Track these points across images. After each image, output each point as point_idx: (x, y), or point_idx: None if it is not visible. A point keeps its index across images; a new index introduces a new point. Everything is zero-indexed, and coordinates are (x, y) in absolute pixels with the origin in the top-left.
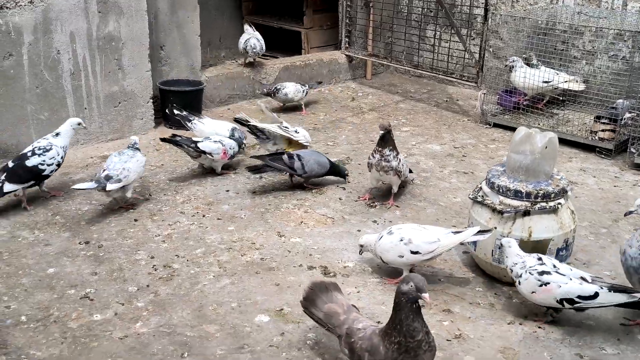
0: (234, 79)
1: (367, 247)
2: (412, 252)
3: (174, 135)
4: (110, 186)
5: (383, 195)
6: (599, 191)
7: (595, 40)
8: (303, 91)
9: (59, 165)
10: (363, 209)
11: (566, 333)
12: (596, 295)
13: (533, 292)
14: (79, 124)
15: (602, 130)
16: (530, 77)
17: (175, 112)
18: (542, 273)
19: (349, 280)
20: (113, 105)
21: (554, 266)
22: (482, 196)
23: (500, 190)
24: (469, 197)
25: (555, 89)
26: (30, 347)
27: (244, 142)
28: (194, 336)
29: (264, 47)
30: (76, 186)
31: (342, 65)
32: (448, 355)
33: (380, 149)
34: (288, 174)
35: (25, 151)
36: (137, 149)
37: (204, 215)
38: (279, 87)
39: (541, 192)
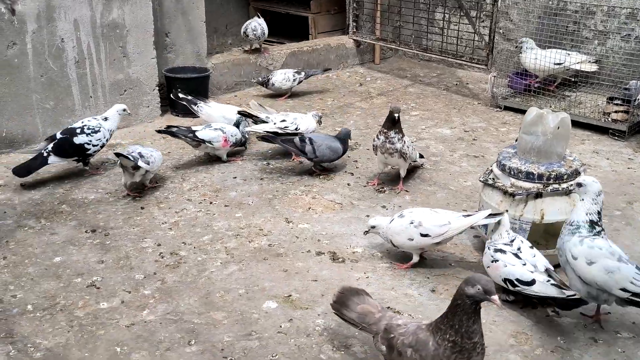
0: (241, 65)
1: (379, 228)
2: (422, 235)
3: (170, 127)
4: (141, 163)
5: (392, 180)
6: (612, 173)
7: (607, 20)
8: (293, 79)
9: (102, 146)
10: (372, 194)
11: (580, 317)
12: (533, 282)
13: (488, 266)
14: (124, 109)
15: (615, 112)
16: (541, 59)
17: (181, 96)
18: (497, 250)
19: (357, 266)
20: (119, 93)
21: (519, 249)
22: (493, 179)
23: (512, 173)
24: (480, 180)
25: (567, 70)
26: (36, 336)
27: (247, 135)
28: (201, 323)
29: (265, 32)
30: (118, 150)
31: (350, 50)
32: None
33: (385, 130)
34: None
35: (74, 126)
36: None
37: (211, 202)
38: (269, 76)
39: (553, 173)
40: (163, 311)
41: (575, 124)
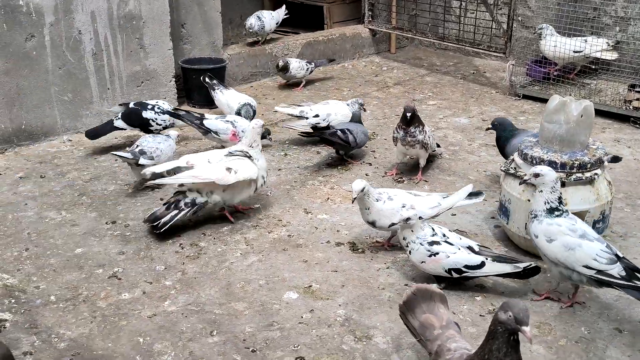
0: (256, 56)
1: (367, 191)
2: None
3: (177, 109)
4: (142, 160)
5: (410, 170)
6: (634, 162)
7: (628, 6)
8: (307, 69)
9: (165, 127)
10: (390, 184)
11: (603, 307)
12: (482, 264)
13: (423, 261)
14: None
15: (637, 100)
16: (560, 46)
17: (207, 80)
18: (432, 243)
19: (378, 257)
20: (136, 84)
21: (444, 235)
22: (515, 168)
23: (534, 162)
24: (501, 169)
25: (587, 57)
26: (60, 327)
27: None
28: (222, 314)
29: (265, 26)
30: (115, 152)
31: (366, 39)
32: (482, 331)
33: (404, 126)
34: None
35: (148, 102)
36: (169, 137)
37: None
38: (288, 62)
39: (577, 162)
40: (184, 302)
41: (596, 112)
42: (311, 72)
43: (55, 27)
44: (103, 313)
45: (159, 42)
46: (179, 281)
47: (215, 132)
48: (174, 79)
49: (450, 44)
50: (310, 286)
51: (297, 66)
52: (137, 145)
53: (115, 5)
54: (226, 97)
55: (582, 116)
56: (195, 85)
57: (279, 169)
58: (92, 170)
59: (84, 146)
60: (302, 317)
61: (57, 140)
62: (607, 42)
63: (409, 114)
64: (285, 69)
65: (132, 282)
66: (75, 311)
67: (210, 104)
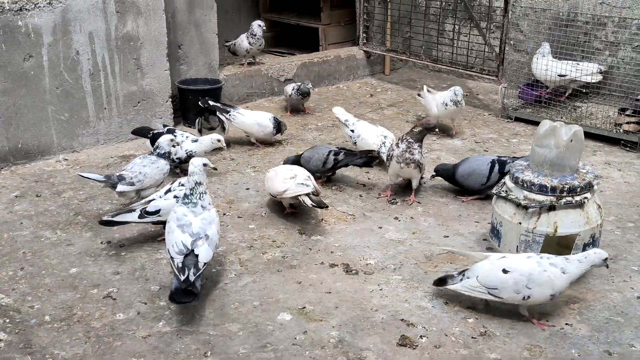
0: (252, 77)
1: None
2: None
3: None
4: (120, 187)
5: (404, 192)
6: (625, 185)
7: (618, 31)
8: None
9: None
10: (384, 205)
11: (594, 329)
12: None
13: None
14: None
15: (627, 123)
16: (550, 69)
17: (211, 102)
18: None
19: (371, 278)
20: (132, 105)
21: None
22: (506, 191)
23: (525, 185)
24: (493, 192)
25: (574, 81)
26: (54, 347)
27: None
28: (216, 335)
29: (247, 47)
30: (82, 173)
31: (360, 61)
32: (474, 353)
33: (410, 139)
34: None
35: (175, 131)
36: (163, 155)
37: (224, 214)
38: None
39: (567, 186)
40: (179, 322)
41: (587, 135)
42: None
43: (54, 48)
44: (97, 333)
45: (155, 63)
46: None
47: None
48: (170, 99)
49: (444, 67)
50: (304, 307)
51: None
52: (123, 169)
53: (114, 26)
54: (251, 116)
55: (572, 141)
56: (191, 105)
57: None
58: (87, 189)
59: (80, 165)
60: (295, 338)
61: (53, 160)
62: (598, 67)
63: (427, 130)
64: (307, 94)
65: (127, 303)
66: (69, 331)
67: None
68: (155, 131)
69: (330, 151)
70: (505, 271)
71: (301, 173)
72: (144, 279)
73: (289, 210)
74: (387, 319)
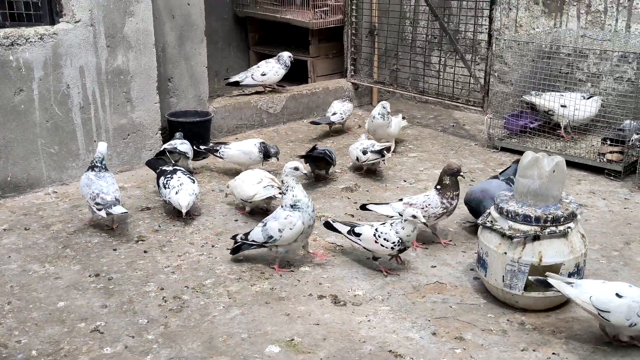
0: (242, 109)
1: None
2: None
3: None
4: (118, 209)
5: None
6: (609, 213)
7: (600, 63)
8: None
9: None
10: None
11: (581, 358)
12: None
13: None
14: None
15: (610, 152)
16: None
17: (202, 147)
18: None
19: (359, 309)
20: (122, 137)
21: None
22: (491, 221)
23: (509, 215)
24: (478, 223)
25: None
26: None
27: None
28: None
29: (276, 78)
30: (119, 212)
31: (348, 93)
32: None
33: (456, 192)
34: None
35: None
36: (105, 166)
37: (213, 246)
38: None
39: (550, 216)
40: (166, 356)
41: (571, 164)
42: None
43: (44, 82)
44: None
45: (145, 96)
46: (161, 335)
47: (185, 153)
48: (160, 132)
49: (430, 98)
50: (292, 340)
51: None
52: (98, 194)
53: (104, 60)
54: (238, 147)
55: (554, 171)
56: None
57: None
58: (76, 222)
59: (69, 198)
60: None
61: (42, 192)
62: (582, 96)
63: (453, 175)
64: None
65: (114, 336)
66: None
67: (195, 156)
68: (162, 168)
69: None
70: (619, 295)
71: (265, 176)
72: (132, 312)
73: (248, 211)
74: (375, 351)
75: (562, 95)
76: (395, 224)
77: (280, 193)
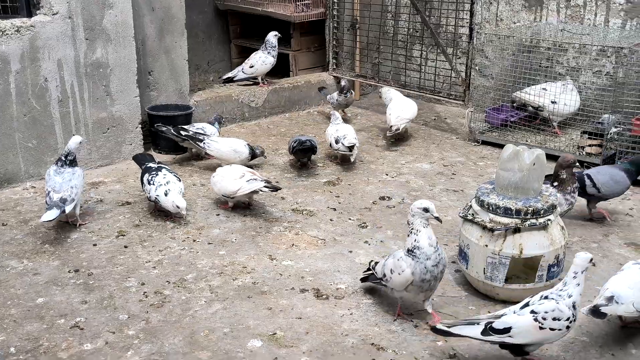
0: (223, 102)
1: None
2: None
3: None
4: (68, 208)
5: (382, 219)
6: None
7: (579, 57)
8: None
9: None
10: (354, 229)
11: (561, 349)
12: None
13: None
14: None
15: (590, 145)
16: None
17: (183, 134)
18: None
19: (342, 303)
20: (102, 131)
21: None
22: (473, 214)
23: (490, 208)
24: (460, 216)
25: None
26: None
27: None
28: None
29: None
30: (44, 219)
31: (330, 86)
32: None
33: (575, 185)
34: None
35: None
36: (74, 161)
37: (194, 240)
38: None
39: (530, 208)
40: (148, 352)
41: (551, 157)
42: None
43: (22, 75)
44: None
45: (125, 90)
46: (142, 330)
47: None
48: (140, 126)
49: (412, 91)
50: (275, 334)
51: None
52: (50, 191)
53: (83, 53)
54: (227, 143)
55: (534, 164)
56: (161, 131)
57: (244, 215)
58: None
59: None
60: None
61: (20, 187)
62: (562, 84)
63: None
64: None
65: (95, 332)
66: None
67: (177, 150)
68: (147, 165)
69: (296, 140)
70: None
71: (246, 170)
72: (113, 307)
73: (231, 206)
74: (358, 344)
75: (546, 90)
76: (558, 291)
77: (266, 186)
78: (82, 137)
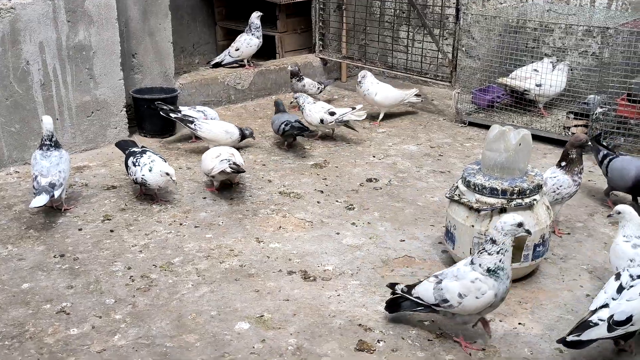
0: (209, 85)
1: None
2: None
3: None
4: (57, 193)
5: (368, 199)
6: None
7: (565, 37)
8: (317, 88)
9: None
10: (341, 211)
11: (546, 328)
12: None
13: None
14: None
15: (575, 126)
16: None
17: (173, 115)
18: None
19: (329, 284)
20: (86, 115)
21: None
22: (459, 195)
23: (477, 189)
24: (446, 196)
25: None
26: None
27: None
28: (173, 346)
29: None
30: (34, 205)
31: (317, 68)
32: (430, 355)
33: (582, 166)
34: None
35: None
36: (57, 143)
37: (181, 224)
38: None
39: (516, 188)
40: (135, 335)
41: (537, 137)
42: (321, 91)
43: (2, 58)
44: (50, 349)
45: (109, 73)
46: (129, 314)
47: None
48: (124, 109)
49: (399, 73)
50: (262, 316)
51: (310, 82)
52: (37, 175)
53: (65, 36)
54: (219, 125)
55: (520, 144)
56: (146, 114)
57: (231, 198)
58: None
59: (31, 178)
60: (253, 347)
61: (3, 172)
62: (550, 62)
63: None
64: (295, 75)
65: (81, 317)
66: (21, 349)
67: (162, 133)
68: (131, 150)
69: (283, 122)
70: None
71: (225, 152)
72: (99, 292)
73: (217, 187)
74: (345, 325)
75: (536, 71)
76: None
77: (232, 166)
78: (66, 121)
